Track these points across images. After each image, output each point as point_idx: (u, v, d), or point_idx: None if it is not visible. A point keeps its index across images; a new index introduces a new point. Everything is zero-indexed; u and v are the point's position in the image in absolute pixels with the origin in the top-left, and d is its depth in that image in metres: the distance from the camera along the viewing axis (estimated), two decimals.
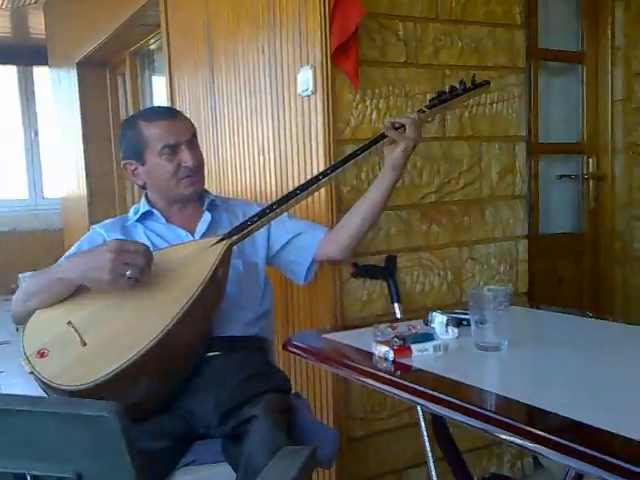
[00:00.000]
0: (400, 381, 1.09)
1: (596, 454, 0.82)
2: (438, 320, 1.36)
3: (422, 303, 2.20)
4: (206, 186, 1.82)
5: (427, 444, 1.40)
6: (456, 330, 1.33)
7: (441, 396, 1.02)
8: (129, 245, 1.40)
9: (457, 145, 2.27)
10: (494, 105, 2.32)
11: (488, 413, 0.96)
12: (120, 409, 0.71)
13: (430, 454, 1.39)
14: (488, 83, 1.87)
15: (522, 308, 1.71)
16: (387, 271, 2.12)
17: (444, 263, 2.27)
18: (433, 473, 1.41)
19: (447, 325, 1.33)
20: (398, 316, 2.05)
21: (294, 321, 2.24)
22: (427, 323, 1.40)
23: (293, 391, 1.72)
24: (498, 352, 1.21)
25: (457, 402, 0.99)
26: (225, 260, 1.52)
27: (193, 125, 1.72)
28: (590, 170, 2.89)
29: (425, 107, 1.78)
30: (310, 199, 2.06)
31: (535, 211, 2.78)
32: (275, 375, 1.62)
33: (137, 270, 1.36)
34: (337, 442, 1.50)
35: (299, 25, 2.08)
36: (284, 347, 1.40)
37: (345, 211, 1.86)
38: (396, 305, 2.08)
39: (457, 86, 1.82)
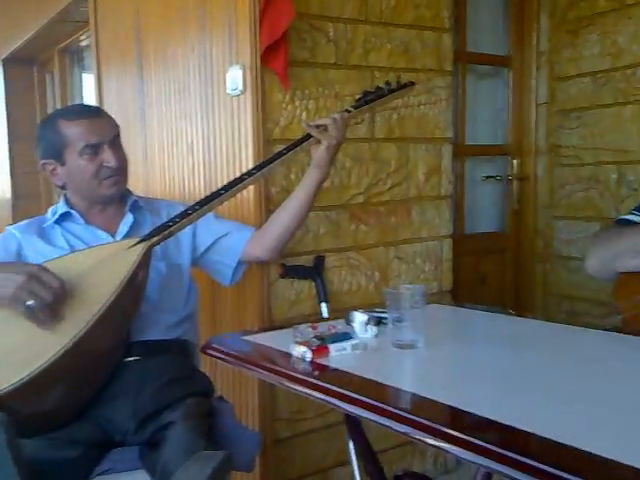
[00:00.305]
0: (315, 382, 1.08)
1: (509, 454, 0.80)
2: (358, 319, 1.35)
3: (349, 302, 2.20)
4: (133, 187, 1.76)
5: (350, 443, 1.41)
6: (375, 329, 1.32)
7: (354, 396, 1.00)
8: (46, 276, 1.30)
9: (385, 146, 2.28)
10: (421, 107, 2.34)
11: (400, 412, 0.94)
12: (5, 420, 0.67)
13: (353, 452, 1.40)
14: (413, 84, 1.89)
15: (445, 306, 1.73)
16: (315, 271, 2.11)
17: (371, 263, 2.27)
18: (356, 471, 1.42)
19: (367, 324, 1.33)
20: (325, 316, 2.04)
21: (221, 323, 2.20)
22: (348, 322, 1.40)
23: (217, 394, 1.69)
24: (414, 350, 1.21)
25: (369, 402, 0.98)
26: (144, 263, 1.46)
27: (117, 124, 1.65)
28: (514, 171, 2.96)
29: (351, 107, 1.78)
30: (239, 199, 2.03)
31: (461, 211, 2.82)
32: (197, 379, 1.59)
33: (39, 304, 1.27)
34: (258, 445, 1.47)
35: (229, 24, 2.04)
36: (203, 350, 1.36)
37: (274, 211, 1.84)
38: (323, 305, 2.08)
39: (383, 86, 1.83)
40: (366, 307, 1.48)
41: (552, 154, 2.88)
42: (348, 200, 2.21)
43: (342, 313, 1.70)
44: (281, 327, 1.57)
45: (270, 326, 2.00)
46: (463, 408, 0.93)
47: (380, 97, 1.80)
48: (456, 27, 2.70)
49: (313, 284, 2.13)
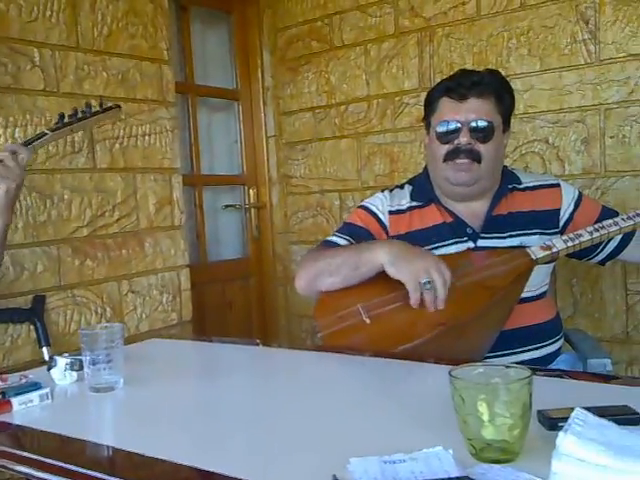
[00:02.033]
0: None
1: None
2: (59, 364, 1.21)
3: (79, 344, 2.00)
4: None
5: None
6: (75, 374, 1.18)
7: (28, 456, 0.86)
8: None
9: (109, 177, 2.14)
10: (146, 137, 2.25)
11: (75, 469, 0.82)
12: None
13: None
14: (119, 107, 1.75)
15: (165, 340, 1.64)
16: (33, 313, 1.89)
17: (102, 299, 2.10)
18: None
19: (66, 369, 1.19)
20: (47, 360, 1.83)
21: None
22: (49, 369, 1.24)
23: None
24: (113, 392, 1.10)
25: (42, 460, 0.84)
26: None
27: None
28: (251, 200, 3.00)
29: (48, 129, 1.59)
30: None
31: (202, 239, 2.77)
32: None
33: None
34: None
35: None
36: None
37: None
38: (45, 349, 1.86)
39: (84, 109, 1.68)
40: None
41: (284, 183, 2.97)
42: (70, 234, 2.02)
43: None
44: None
45: None
46: (154, 455, 0.83)
47: (81, 120, 1.64)
48: (182, 59, 2.67)
49: (33, 327, 1.90)
